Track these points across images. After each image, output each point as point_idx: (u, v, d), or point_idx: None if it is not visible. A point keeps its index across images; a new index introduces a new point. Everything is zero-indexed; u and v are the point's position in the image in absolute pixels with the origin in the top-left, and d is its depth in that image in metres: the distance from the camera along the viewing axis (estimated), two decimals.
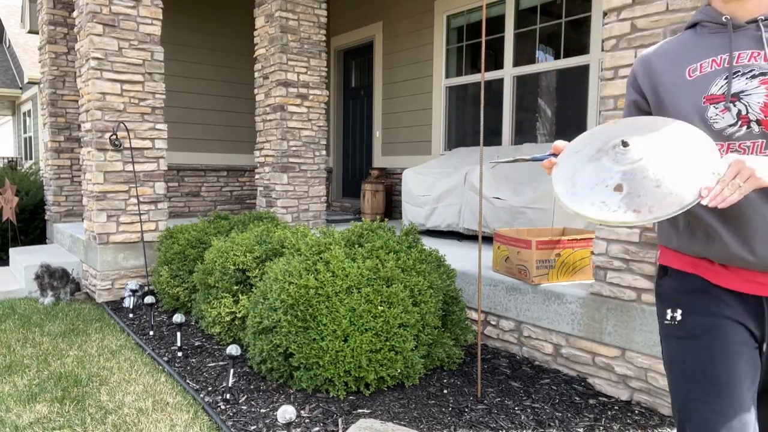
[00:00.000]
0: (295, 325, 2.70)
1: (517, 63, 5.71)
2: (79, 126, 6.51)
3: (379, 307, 2.71)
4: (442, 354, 3.00)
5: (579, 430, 2.40)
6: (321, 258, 2.96)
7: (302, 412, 2.55)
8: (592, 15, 4.98)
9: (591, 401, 2.69)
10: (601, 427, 2.43)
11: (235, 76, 8.13)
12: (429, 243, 4.93)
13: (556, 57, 5.37)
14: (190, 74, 7.75)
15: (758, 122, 1.16)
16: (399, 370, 2.75)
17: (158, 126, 4.87)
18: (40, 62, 6.75)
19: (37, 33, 12.90)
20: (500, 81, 5.87)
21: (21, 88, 14.37)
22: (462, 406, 2.63)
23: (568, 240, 3.19)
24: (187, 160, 7.74)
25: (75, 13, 4.85)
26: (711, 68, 1.23)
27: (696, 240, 1.26)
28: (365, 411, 2.56)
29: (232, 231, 4.19)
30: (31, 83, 12.49)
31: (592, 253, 2.87)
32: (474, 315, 3.53)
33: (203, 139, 7.91)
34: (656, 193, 1.07)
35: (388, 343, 2.69)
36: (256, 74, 5.59)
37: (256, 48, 5.56)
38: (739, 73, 1.18)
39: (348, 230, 3.34)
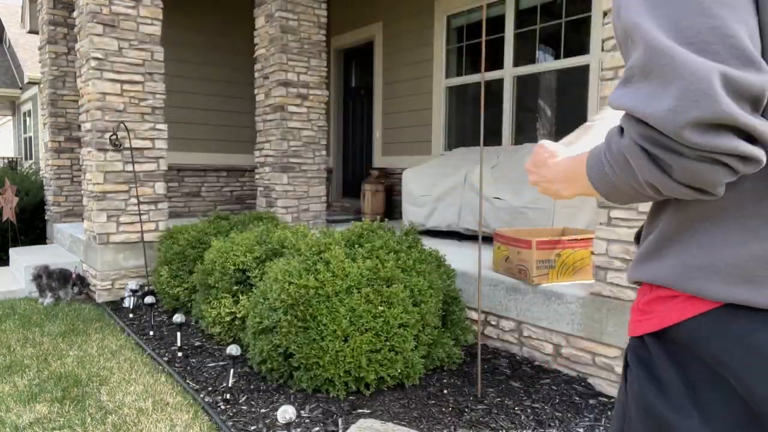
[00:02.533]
0: (295, 325, 2.70)
1: (517, 63, 5.71)
2: (79, 126, 6.51)
3: (379, 307, 2.71)
4: (442, 354, 3.00)
5: (579, 430, 2.40)
6: (321, 258, 2.96)
7: (302, 412, 2.55)
8: (592, 15, 4.98)
9: (591, 401, 2.69)
10: (601, 427, 2.43)
11: (235, 76, 8.13)
12: (429, 243, 4.92)
13: (556, 57, 5.37)
14: (191, 74, 7.75)
15: None
16: (399, 370, 2.75)
17: (158, 126, 4.87)
18: (40, 62, 6.75)
19: (37, 33, 12.88)
20: (500, 81, 5.87)
21: (21, 88, 14.37)
22: (462, 406, 2.63)
23: (568, 240, 3.19)
24: (187, 160, 7.74)
25: (75, 13, 4.85)
26: None
27: None
28: (365, 411, 2.56)
29: (232, 231, 4.19)
30: (31, 83, 12.49)
31: (592, 253, 2.87)
32: (474, 315, 3.53)
33: (203, 139, 7.91)
34: None
35: (388, 343, 2.69)
36: (256, 74, 5.59)
37: (256, 48, 5.56)
38: None
39: (348, 230, 3.33)
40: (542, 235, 3.49)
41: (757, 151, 0.63)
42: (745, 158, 0.63)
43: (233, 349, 2.76)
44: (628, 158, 0.68)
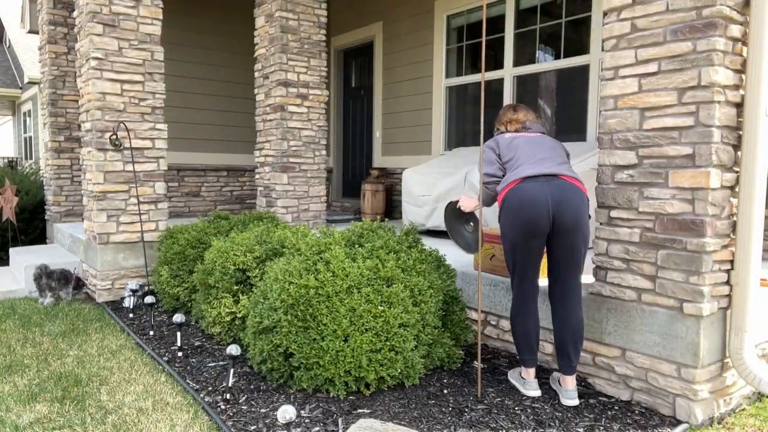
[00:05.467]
0: (295, 325, 2.70)
1: (517, 63, 5.71)
2: (79, 126, 6.50)
3: (380, 307, 2.71)
4: (442, 354, 3.00)
5: (579, 430, 2.40)
6: (321, 258, 2.96)
7: (302, 412, 2.55)
8: (592, 15, 4.98)
9: (591, 401, 2.69)
10: (601, 427, 2.43)
11: (235, 76, 8.14)
12: (429, 243, 4.93)
13: (556, 57, 5.37)
14: (190, 74, 7.75)
15: None
16: (399, 370, 2.75)
17: (158, 126, 4.87)
18: (40, 62, 6.75)
19: (37, 33, 12.90)
20: (500, 81, 5.87)
21: (21, 88, 14.37)
22: (462, 406, 2.63)
23: None
24: (187, 160, 7.74)
25: (75, 13, 4.85)
26: None
27: None
28: (365, 411, 2.56)
29: (232, 231, 4.19)
30: (31, 83, 12.49)
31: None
32: (474, 315, 3.53)
33: (203, 139, 7.91)
34: None
35: (388, 343, 2.69)
36: (256, 74, 5.59)
37: (256, 48, 5.56)
38: None
39: (348, 230, 3.34)
40: None
41: (491, 187, 2.80)
42: (488, 184, 2.80)
43: (233, 349, 2.76)
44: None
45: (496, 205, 2.78)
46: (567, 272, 2.65)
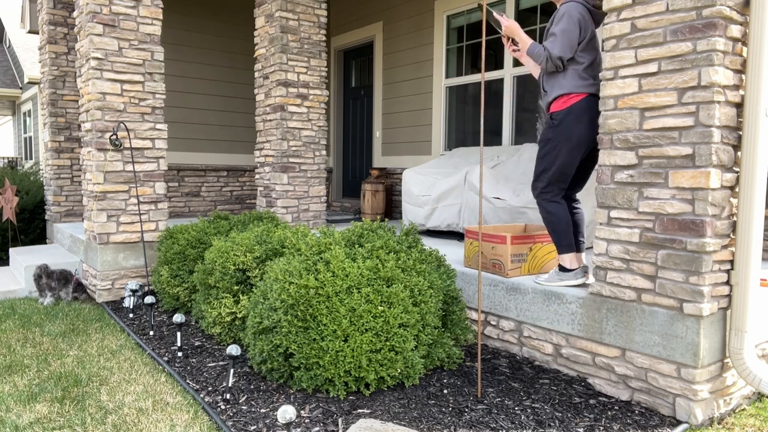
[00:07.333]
0: (295, 325, 2.70)
1: (517, 63, 5.71)
2: (79, 126, 6.51)
3: (379, 307, 2.71)
4: (442, 354, 3.00)
5: (579, 430, 2.40)
6: (321, 258, 2.96)
7: (302, 412, 2.55)
8: None
9: (591, 401, 2.69)
10: (601, 427, 2.43)
11: (235, 76, 8.14)
12: (429, 243, 4.93)
13: None
14: (190, 74, 7.75)
15: None
16: (399, 370, 2.75)
17: (158, 126, 4.87)
18: (40, 62, 6.75)
19: (37, 33, 12.91)
20: (500, 81, 5.86)
21: (21, 88, 14.37)
22: (462, 406, 2.63)
23: (539, 235, 3.43)
24: (187, 160, 7.74)
25: (75, 13, 4.86)
26: None
27: None
28: (365, 411, 2.56)
29: (232, 231, 4.19)
30: (31, 83, 12.49)
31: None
32: (474, 315, 3.53)
33: (203, 139, 7.91)
34: None
35: (388, 343, 2.69)
36: (256, 74, 5.59)
37: (256, 48, 5.56)
38: None
39: (348, 230, 3.34)
40: (508, 231, 3.70)
41: (556, 61, 2.95)
42: (555, 63, 2.96)
43: (233, 349, 2.76)
44: (544, 54, 2.99)
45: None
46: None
